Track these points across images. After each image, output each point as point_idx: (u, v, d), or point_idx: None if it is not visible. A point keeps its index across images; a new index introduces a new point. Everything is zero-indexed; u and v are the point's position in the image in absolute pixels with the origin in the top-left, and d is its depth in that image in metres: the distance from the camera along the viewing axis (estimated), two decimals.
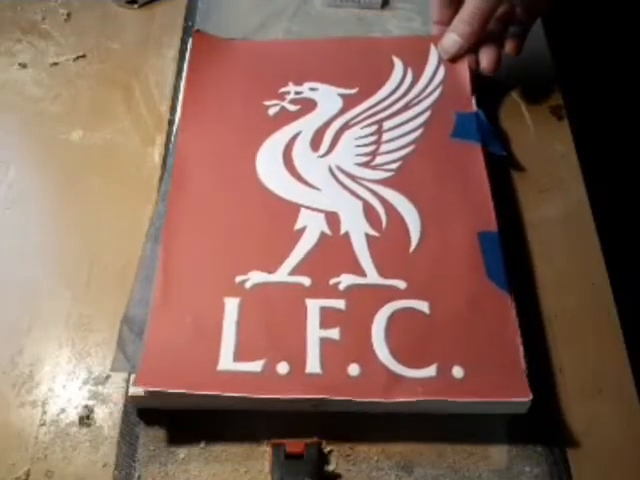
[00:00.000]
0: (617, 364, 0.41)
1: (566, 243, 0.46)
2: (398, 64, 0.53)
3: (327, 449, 0.37)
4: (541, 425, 0.38)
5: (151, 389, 0.37)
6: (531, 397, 0.37)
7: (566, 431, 0.38)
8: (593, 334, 0.42)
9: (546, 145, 0.50)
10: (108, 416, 0.39)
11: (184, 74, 0.52)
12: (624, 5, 0.80)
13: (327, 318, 0.40)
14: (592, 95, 0.72)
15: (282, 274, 0.41)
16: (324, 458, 0.37)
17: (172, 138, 0.49)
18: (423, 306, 0.40)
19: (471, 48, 0.51)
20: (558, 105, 0.52)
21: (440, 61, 0.53)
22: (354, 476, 0.37)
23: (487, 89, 0.52)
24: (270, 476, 0.36)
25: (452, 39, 0.51)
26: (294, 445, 0.36)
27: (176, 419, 0.38)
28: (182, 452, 0.37)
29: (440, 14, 0.53)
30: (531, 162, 0.50)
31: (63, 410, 0.39)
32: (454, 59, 0.52)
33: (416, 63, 0.53)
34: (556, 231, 0.46)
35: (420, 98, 0.51)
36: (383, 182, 0.46)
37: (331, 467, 0.37)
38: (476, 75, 0.51)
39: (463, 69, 0.52)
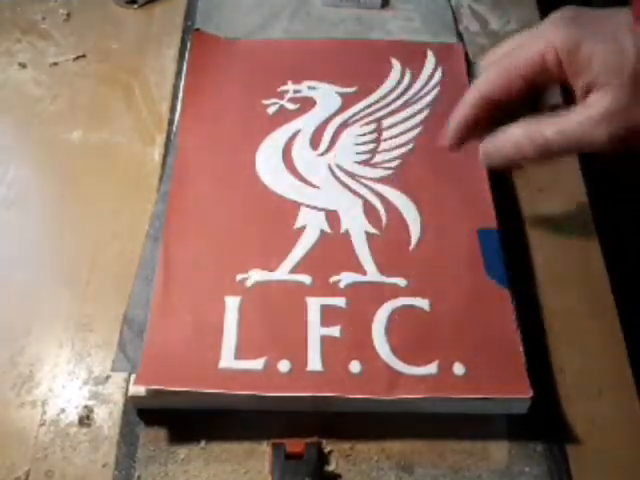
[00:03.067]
0: (617, 364, 0.41)
1: (565, 242, 0.46)
2: (396, 65, 0.53)
3: (327, 449, 0.37)
4: (541, 425, 0.38)
5: (152, 387, 0.37)
6: (531, 394, 0.37)
7: (566, 431, 0.38)
8: (593, 334, 0.42)
9: None
10: (108, 416, 0.38)
11: (184, 74, 0.52)
12: None
13: (328, 316, 0.40)
14: None
15: (282, 272, 0.41)
16: (324, 458, 0.37)
17: (172, 138, 0.49)
18: (423, 303, 0.40)
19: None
20: (557, 103, 0.51)
21: (437, 63, 0.53)
22: (354, 476, 0.37)
23: None
24: (270, 476, 0.36)
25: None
26: (294, 445, 0.36)
27: (176, 419, 0.38)
28: (182, 452, 0.37)
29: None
30: None
31: (63, 410, 0.39)
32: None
33: (414, 64, 0.53)
34: (555, 229, 0.46)
35: (419, 96, 0.51)
36: (383, 180, 0.46)
37: (331, 467, 0.37)
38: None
39: (461, 69, 0.52)
